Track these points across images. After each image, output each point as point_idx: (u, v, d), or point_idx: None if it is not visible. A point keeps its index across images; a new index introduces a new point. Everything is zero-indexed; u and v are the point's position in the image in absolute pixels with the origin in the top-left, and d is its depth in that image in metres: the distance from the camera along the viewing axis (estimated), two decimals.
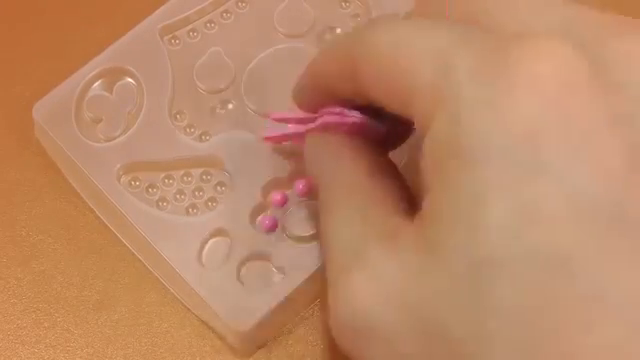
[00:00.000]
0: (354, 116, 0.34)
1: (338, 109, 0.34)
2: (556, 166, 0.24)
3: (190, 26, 0.45)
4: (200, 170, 0.42)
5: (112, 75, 0.44)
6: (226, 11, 0.46)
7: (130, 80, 0.44)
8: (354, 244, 0.30)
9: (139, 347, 0.41)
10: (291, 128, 0.38)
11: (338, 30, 0.45)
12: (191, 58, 0.45)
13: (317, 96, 0.35)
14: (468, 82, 0.26)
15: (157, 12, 0.45)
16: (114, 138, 0.43)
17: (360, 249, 0.29)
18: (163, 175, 0.42)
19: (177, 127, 0.43)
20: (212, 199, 0.42)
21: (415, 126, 0.28)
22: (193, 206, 0.42)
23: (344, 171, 0.33)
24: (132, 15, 0.45)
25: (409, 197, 0.32)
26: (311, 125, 0.36)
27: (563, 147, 0.24)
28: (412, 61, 0.28)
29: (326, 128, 0.35)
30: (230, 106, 0.44)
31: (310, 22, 0.45)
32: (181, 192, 0.42)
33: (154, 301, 0.42)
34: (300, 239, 0.40)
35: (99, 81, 0.44)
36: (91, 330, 0.41)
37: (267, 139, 0.41)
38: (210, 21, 0.45)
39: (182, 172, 0.42)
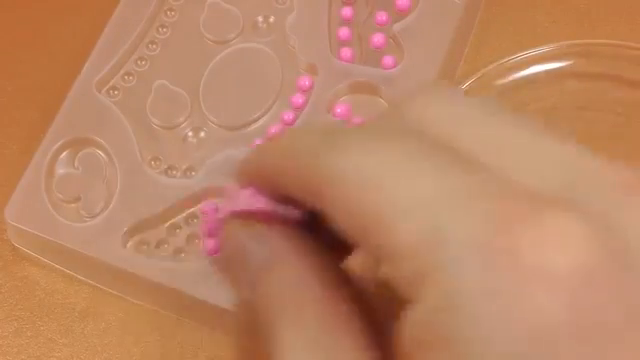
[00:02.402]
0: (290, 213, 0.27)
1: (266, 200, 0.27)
2: None
3: (122, 70, 0.43)
4: (200, 205, 0.40)
5: (71, 149, 0.41)
6: (151, 42, 0.43)
7: (90, 147, 0.41)
8: None
9: (128, 358, 0.39)
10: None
11: (272, 19, 0.43)
12: (139, 101, 0.42)
13: (258, 184, 0.28)
14: (466, 262, 0.22)
15: (85, 69, 0.42)
16: (99, 213, 0.40)
17: None
18: (167, 225, 0.40)
19: (158, 174, 0.41)
20: None
21: (385, 275, 0.23)
22: None
23: (292, 281, 0.26)
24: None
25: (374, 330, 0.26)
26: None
27: (579, 354, 0.21)
28: (391, 210, 0.23)
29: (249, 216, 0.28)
30: (202, 134, 0.42)
31: (239, 21, 0.43)
32: (194, 236, 0.40)
33: (143, 309, 0.40)
34: None
35: (59, 159, 0.41)
36: (77, 340, 0.39)
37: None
38: (140, 58, 0.43)
39: (185, 215, 0.40)
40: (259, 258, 0.27)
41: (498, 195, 0.23)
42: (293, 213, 0.27)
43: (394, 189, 0.23)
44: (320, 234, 0.27)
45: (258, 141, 0.41)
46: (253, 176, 0.28)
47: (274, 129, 0.41)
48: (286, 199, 0.27)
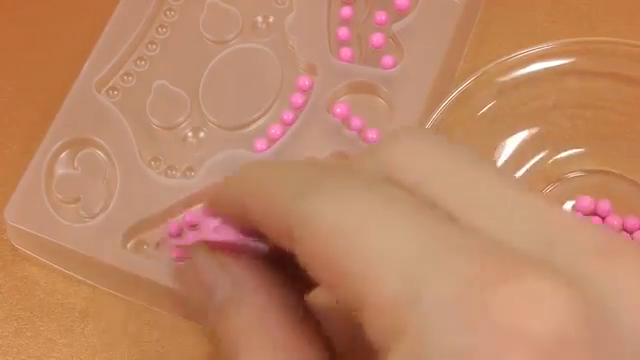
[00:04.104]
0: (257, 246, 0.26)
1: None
2: None
3: (122, 71, 0.43)
4: (200, 205, 0.40)
5: (70, 149, 0.41)
6: (150, 42, 0.43)
7: (90, 147, 0.41)
8: None
9: (128, 357, 0.39)
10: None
11: (271, 19, 0.43)
12: (138, 102, 0.42)
13: (227, 215, 0.27)
14: (439, 321, 0.21)
15: (85, 69, 0.42)
16: (99, 213, 0.40)
17: None
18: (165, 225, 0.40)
19: (158, 174, 0.41)
20: None
21: (357, 319, 0.23)
22: None
23: (254, 316, 0.26)
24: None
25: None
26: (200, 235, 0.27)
27: None
28: (367, 264, 0.22)
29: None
30: (202, 134, 0.42)
31: (238, 21, 0.43)
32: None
33: (143, 308, 0.40)
34: None
35: (59, 159, 0.41)
36: (77, 340, 0.39)
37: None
38: (139, 58, 0.43)
39: (185, 215, 0.40)
40: (223, 291, 0.26)
41: (477, 252, 0.22)
42: (261, 247, 0.26)
43: (370, 242, 0.22)
44: (284, 264, 0.26)
45: (259, 143, 0.41)
46: (223, 207, 0.27)
47: (274, 129, 0.41)
48: (254, 231, 0.26)
